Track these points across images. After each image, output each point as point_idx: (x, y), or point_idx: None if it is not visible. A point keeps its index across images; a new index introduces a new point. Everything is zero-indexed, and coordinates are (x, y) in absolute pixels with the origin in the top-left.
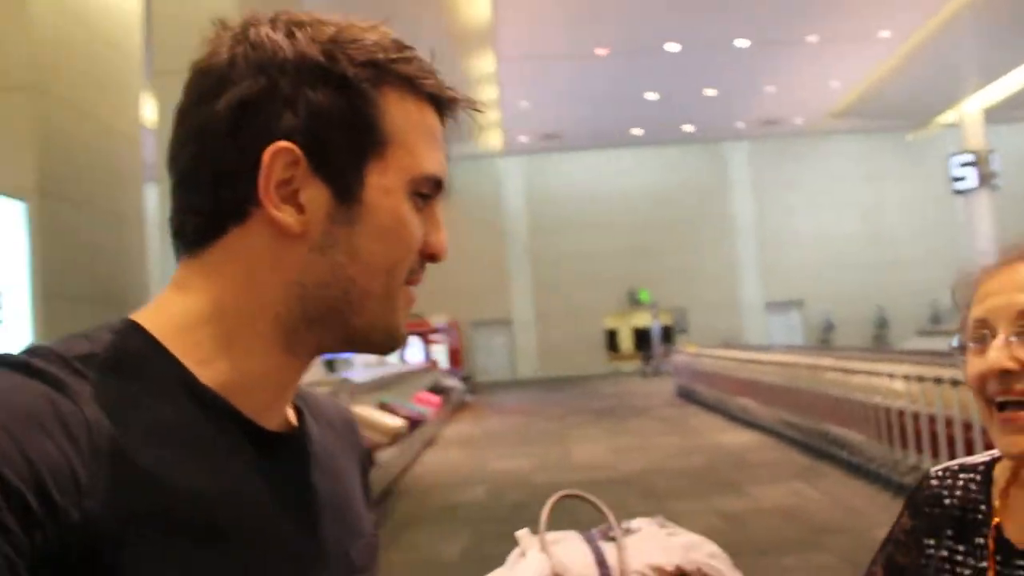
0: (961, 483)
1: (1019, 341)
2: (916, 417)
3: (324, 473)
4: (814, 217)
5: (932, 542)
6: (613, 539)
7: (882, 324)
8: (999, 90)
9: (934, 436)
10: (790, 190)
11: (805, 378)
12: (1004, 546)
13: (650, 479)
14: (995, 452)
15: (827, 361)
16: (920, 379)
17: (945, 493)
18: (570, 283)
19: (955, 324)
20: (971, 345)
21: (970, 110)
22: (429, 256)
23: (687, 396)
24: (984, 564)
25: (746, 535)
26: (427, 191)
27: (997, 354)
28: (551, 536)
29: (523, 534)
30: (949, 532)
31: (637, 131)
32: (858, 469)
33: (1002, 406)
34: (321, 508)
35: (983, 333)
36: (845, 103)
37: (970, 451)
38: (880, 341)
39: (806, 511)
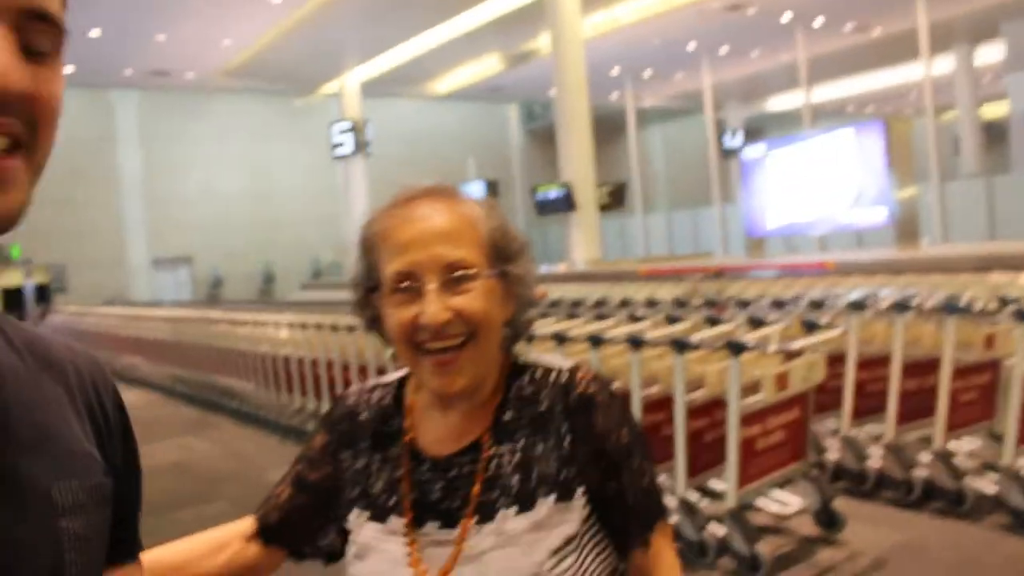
0: (376, 398)
1: (447, 291)
2: (300, 362)
3: (16, 404)
4: (204, 174)
5: (348, 453)
6: None
7: (269, 279)
8: (375, 66)
9: (316, 379)
10: (180, 145)
11: (192, 332)
12: (415, 455)
13: None
14: (404, 371)
15: (214, 314)
16: (303, 326)
17: (361, 408)
18: None
19: (335, 278)
20: (394, 295)
21: (350, 82)
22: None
23: None
24: (399, 472)
25: None
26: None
27: (434, 307)
28: None
29: None
30: (365, 444)
31: None
32: (247, 417)
33: (434, 351)
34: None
35: (410, 285)
36: (237, 62)
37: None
38: (267, 295)
39: (198, 464)
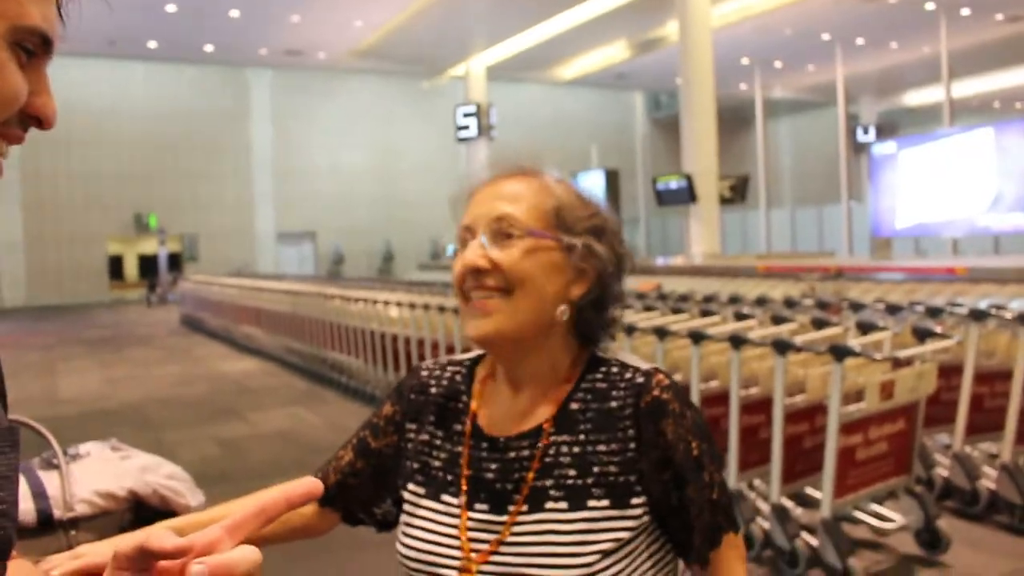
0: (448, 375)
1: (491, 243)
2: (407, 341)
3: None
4: (331, 152)
5: (414, 426)
6: (56, 467)
7: (388, 258)
8: (502, 51)
9: (422, 358)
10: (309, 123)
11: (308, 306)
12: (476, 432)
13: (147, 409)
14: (480, 351)
15: (330, 290)
16: (412, 306)
17: (432, 383)
18: (69, 205)
19: (450, 260)
20: (458, 249)
21: (475, 66)
22: (35, 119)
23: (193, 325)
24: (460, 448)
25: (243, 461)
26: (31, 46)
27: (472, 253)
28: None
29: None
30: (431, 418)
31: (152, 44)
32: (355, 392)
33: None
34: None
35: (466, 238)
36: (367, 44)
37: None
38: (385, 274)
39: (303, 434)
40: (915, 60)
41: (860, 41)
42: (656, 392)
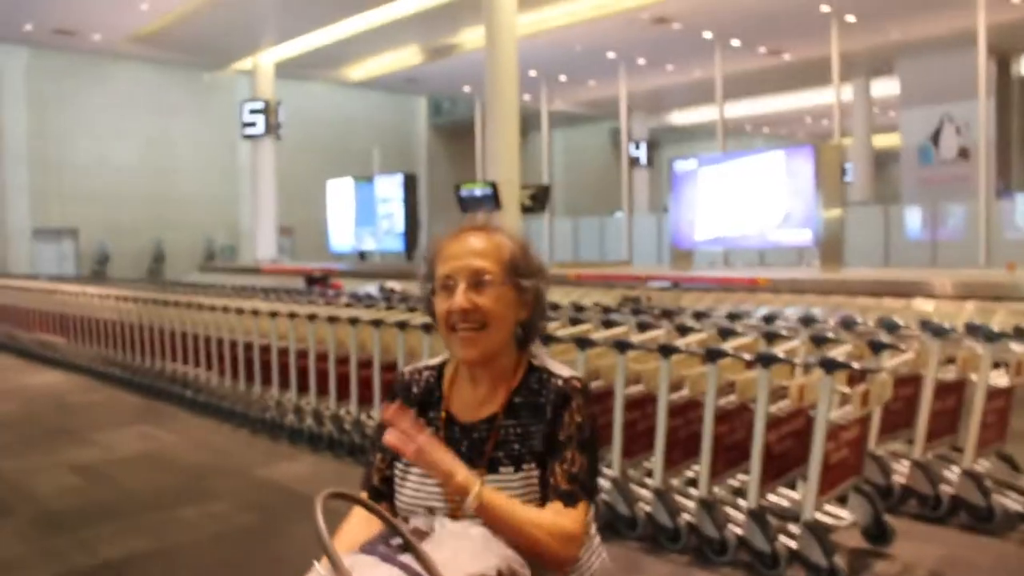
0: (424, 377)
1: (471, 290)
2: (281, 352)
3: None
4: (97, 144)
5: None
6: (405, 549)
7: (159, 258)
8: (291, 48)
9: (302, 370)
10: (74, 111)
11: (135, 313)
12: (450, 418)
13: None
14: (446, 356)
15: (172, 296)
16: (292, 315)
17: (414, 382)
18: None
19: (227, 262)
20: (440, 292)
21: (264, 61)
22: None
23: None
24: (437, 432)
25: (118, 491)
26: None
27: (459, 298)
28: (346, 561)
29: (323, 566)
30: (414, 409)
31: None
32: (206, 408)
33: (460, 330)
34: None
35: (449, 284)
36: (150, 29)
37: (322, 380)
38: (156, 275)
39: (168, 455)
40: (686, 82)
41: (641, 61)
42: (567, 391)
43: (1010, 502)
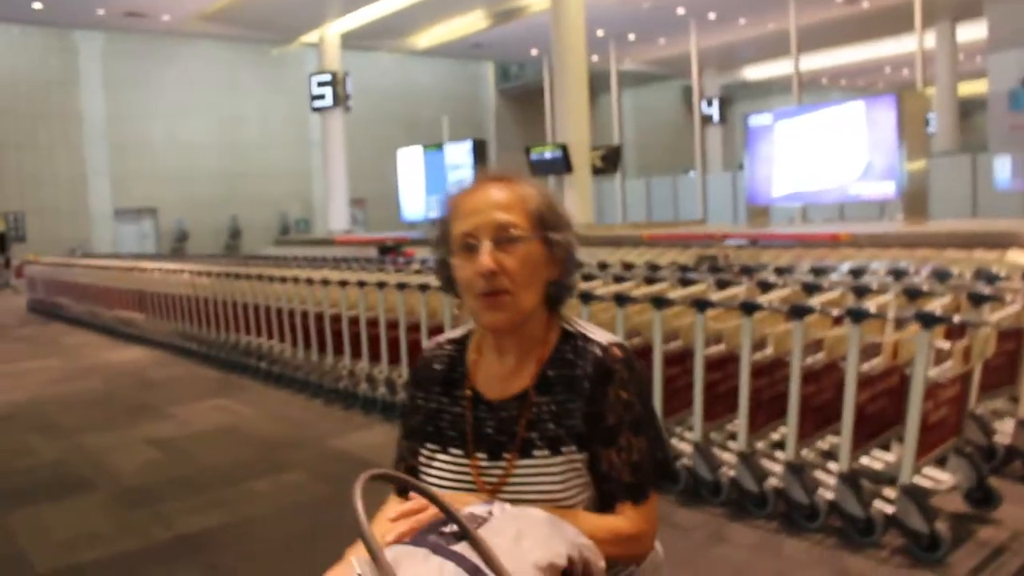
0: (446, 352)
1: (498, 248)
2: (353, 321)
3: None
4: (171, 123)
5: (422, 395)
6: (463, 537)
7: (235, 233)
8: (356, 18)
9: (356, 337)
10: (147, 92)
11: (210, 287)
12: (476, 396)
13: (44, 411)
14: (470, 327)
15: (244, 269)
16: (361, 284)
17: (434, 360)
18: None
19: (301, 235)
20: (460, 253)
21: (331, 33)
22: None
23: (47, 312)
24: (462, 410)
25: (196, 465)
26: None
27: (485, 258)
28: (390, 555)
29: (360, 561)
30: (437, 388)
31: None
32: (280, 379)
33: (485, 296)
34: None
35: (471, 243)
36: (217, 7)
37: (393, 348)
38: (233, 250)
39: (246, 428)
40: (759, 36)
41: (712, 16)
42: (608, 363)
43: None
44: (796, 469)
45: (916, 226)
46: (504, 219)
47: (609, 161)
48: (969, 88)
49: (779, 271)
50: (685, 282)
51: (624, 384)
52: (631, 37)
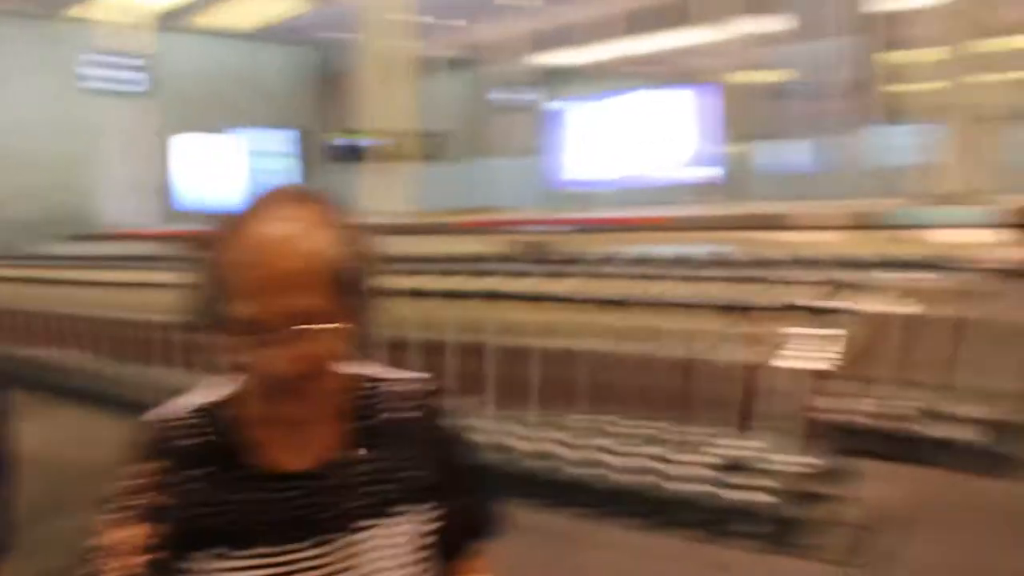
0: (197, 424)
1: (294, 338)
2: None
3: None
4: None
5: (177, 483)
6: None
7: None
8: None
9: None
10: None
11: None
12: (266, 474)
13: None
14: (230, 385)
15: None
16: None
17: (181, 434)
18: None
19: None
20: (237, 332)
21: (133, 9)
22: None
23: None
24: (251, 492)
25: None
26: None
27: (279, 362)
28: None
29: None
30: (200, 471)
31: None
32: (86, 395)
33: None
34: None
35: (253, 330)
36: None
37: None
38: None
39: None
40: (565, 23)
41: (538, 2)
42: (434, 402)
43: None
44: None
45: (738, 208)
46: (303, 305)
47: (435, 147)
48: (766, 76)
49: (605, 260)
50: (514, 274)
51: (452, 425)
52: (449, 23)
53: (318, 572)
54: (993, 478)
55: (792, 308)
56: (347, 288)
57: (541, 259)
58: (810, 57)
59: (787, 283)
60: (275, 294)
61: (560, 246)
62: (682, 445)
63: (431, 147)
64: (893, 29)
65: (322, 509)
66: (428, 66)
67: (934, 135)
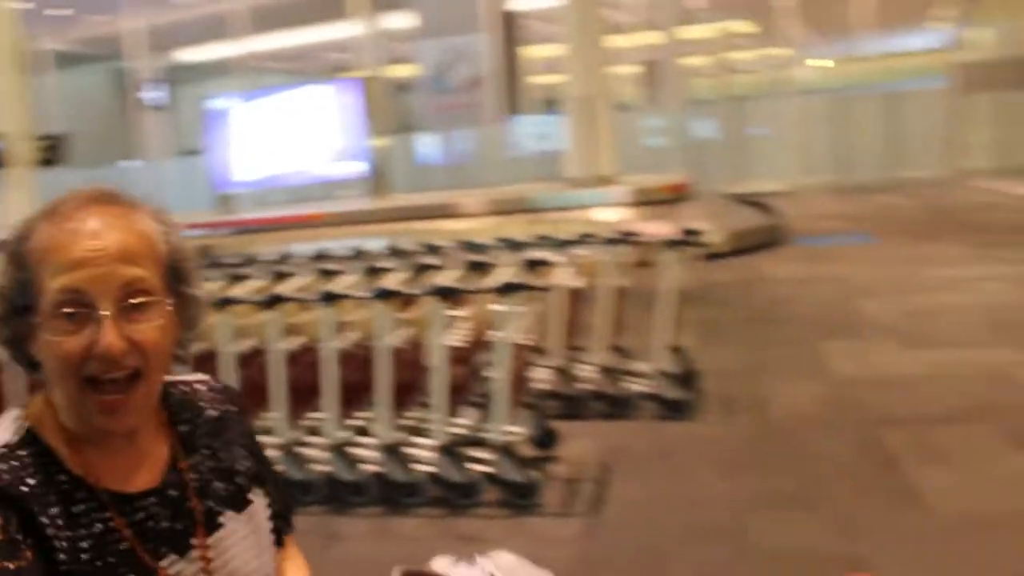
0: (16, 463)
1: (123, 318)
2: None
3: None
4: None
5: (21, 531)
6: None
7: None
8: None
9: None
10: None
11: None
12: (109, 499)
13: None
14: (15, 426)
15: None
16: None
17: (11, 475)
18: None
19: None
20: (53, 320)
21: None
22: None
23: None
24: (103, 524)
25: None
26: None
27: (110, 337)
28: None
29: None
30: (41, 509)
31: None
32: None
33: (100, 386)
34: None
35: (79, 309)
36: None
37: None
38: None
39: None
40: (193, 17)
41: None
42: (231, 398)
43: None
44: (392, 450)
45: (385, 202)
46: (132, 275)
47: (54, 152)
48: (405, 72)
49: (252, 261)
50: None
51: (241, 422)
52: (62, 13)
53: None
54: (675, 421)
55: (497, 290)
56: (175, 274)
57: (214, 263)
58: (451, 51)
59: (481, 266)
60: (99, 262)
61: (227, 248)
62: (412, 430)
63: (49, 150)
64: (529, 26)
65: (179, 519)
66: (60, 61)
67: (565, 125)
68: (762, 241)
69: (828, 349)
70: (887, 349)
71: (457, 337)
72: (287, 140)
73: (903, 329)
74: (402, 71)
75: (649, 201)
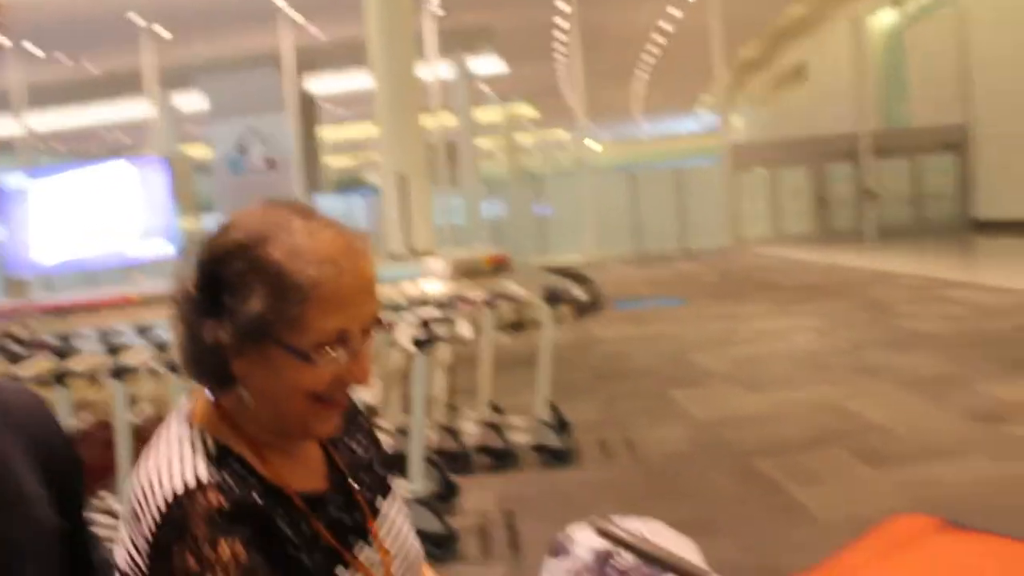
0: (227, 482)
1: (367, 349)
2: None
3: None
4: None
5: (254, 549)
6: None
7: None
8: None
9: None
10: None
11: None
12: (308, 505)
13: None
14: (191, 443)
15: None
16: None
17: (226, 500)
18: None
19: None
20: (319, 350)
21: None
22: None
23: None
24: (308, 526)
25: None
26: None
27: (367, 368)
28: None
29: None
30: (257, 528)
31: None
32: None
33: (329, 399)
34: None
35: (340, 344)
36: None
37: None
38: None
39: None
40: None
41: None
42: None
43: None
44: None
45: None
46: (376, 308)
47: None
48: (195, 152)
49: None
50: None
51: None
52: None
53: (376, 554)
54: (560, 469)
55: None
56: None
57: (33, 343)
58: (247, 132)
59: None
60: (358, 299)
61: (31, 332)
62: None
63: None
64: (328, 108)
65: (352, 511)
66: None
67: (380, 201)
68: (584, 307)
69: (677, 396)
70: (731, 393)
71: None
72: (94, 220)
73: (738, 376)
74: (195, 151)
75: (472, 273)
